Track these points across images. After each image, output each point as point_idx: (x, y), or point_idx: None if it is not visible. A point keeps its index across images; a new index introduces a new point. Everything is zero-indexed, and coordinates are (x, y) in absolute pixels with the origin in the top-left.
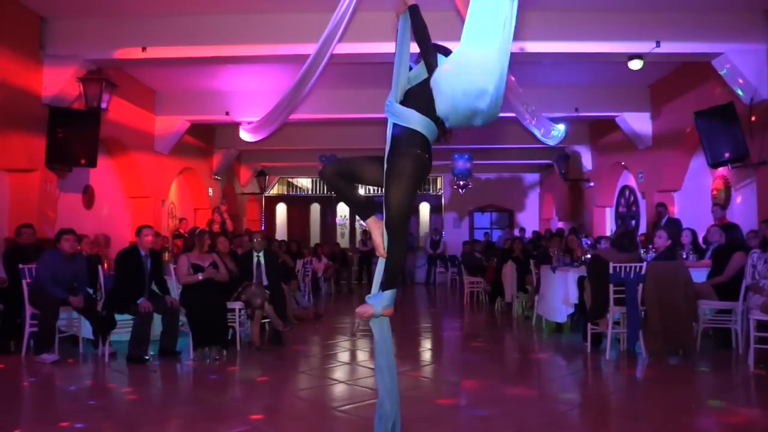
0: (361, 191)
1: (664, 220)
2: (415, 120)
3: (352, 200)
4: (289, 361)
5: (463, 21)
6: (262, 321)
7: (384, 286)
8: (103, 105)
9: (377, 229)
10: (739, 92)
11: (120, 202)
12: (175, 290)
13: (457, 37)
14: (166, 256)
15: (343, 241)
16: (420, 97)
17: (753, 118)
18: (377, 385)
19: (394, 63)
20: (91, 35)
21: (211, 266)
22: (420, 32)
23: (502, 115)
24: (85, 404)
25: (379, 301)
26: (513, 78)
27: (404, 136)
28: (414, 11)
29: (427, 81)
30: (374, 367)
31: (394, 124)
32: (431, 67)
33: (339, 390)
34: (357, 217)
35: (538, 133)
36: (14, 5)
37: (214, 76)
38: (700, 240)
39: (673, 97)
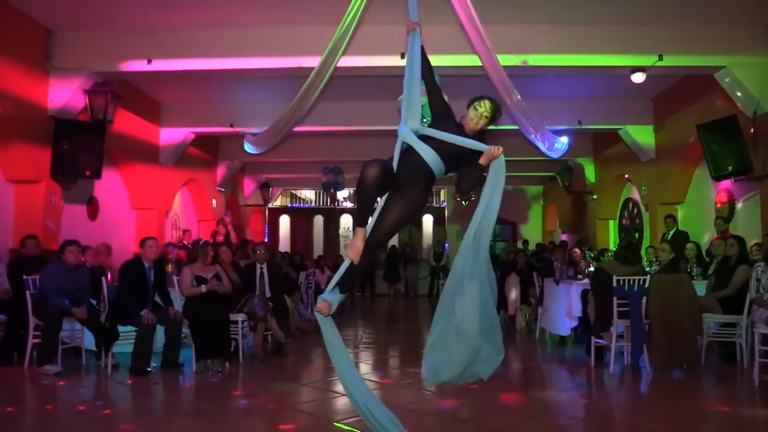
0: None
1: (671, 233)
2: (430, 158)
3: (369, 203)
4: (291, 374)
5: (466, 34)
6: (265, 333)
7: (342, 288)
8: (109, 117)
9: (362, 238)
10: (742, 105)
11: (124, 214)
12: (178, 302)
13: (458, 50)
14: (170, 267)
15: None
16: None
17: (755, 130)
18: (342, 384)
19: (404, 84)
20: (97, 48)
21: (215, 278)
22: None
23: (505, 127)
24: (87, 416)
25: (336, 299)
26: (516, 91)
27: (423, 167)
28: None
29: (445, 121)
30: (333, 366)
31: (410, 150)
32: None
33: (341, 403)
34: None
35: (541, 146)
36: (21, 18)
37: (219, 88)
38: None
39: (676, 109)
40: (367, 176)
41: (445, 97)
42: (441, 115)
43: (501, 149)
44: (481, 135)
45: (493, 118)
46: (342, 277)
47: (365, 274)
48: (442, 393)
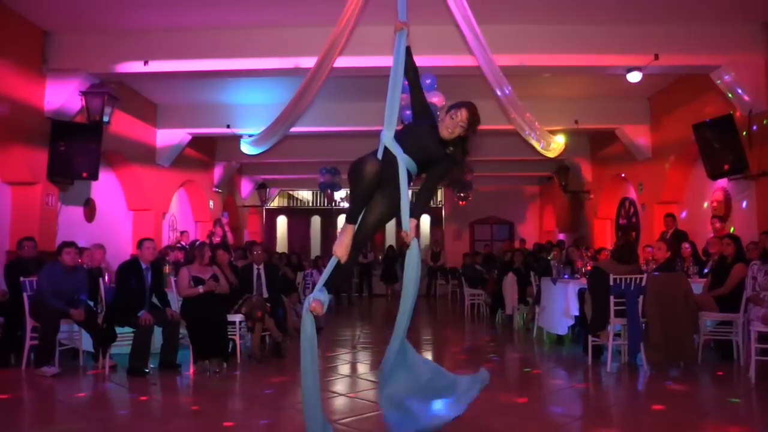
0: None
1: (670, 232)
2: (402, 159)
3: (366, 198)
4: (289, 374)
5: (462, 34)
6: (262, 333)
7: (330, 288)
8: (105, 118)
9: (351, 235)
10: (738, 104)
11: (121, 215)
12: (175, 303)
13: (454, 50)
14: (167, 268)
15: None
16: (411, 135)
17: (753, 129)
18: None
19: (388, 86)
20: (93, 49)
21: (212, 279)
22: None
23: (501, 127)
24: (85, 417)
25: (326, 298)
26: (512, 90)
27: (401, 171)
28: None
29: (424, 122)
30: (300, 365)
31: (389, 150)
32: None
33: (339, 403)
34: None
35: (537, 146)
36: (17, 19)
37: (216, 89)
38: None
39: (672, 109)
40: (367, 172)
41: (442, 98)
42: (421, 115)
43: (413, 237)
44: (462, 141)
45: (470, 128)
46: (330, 276)
47: (352, 272)
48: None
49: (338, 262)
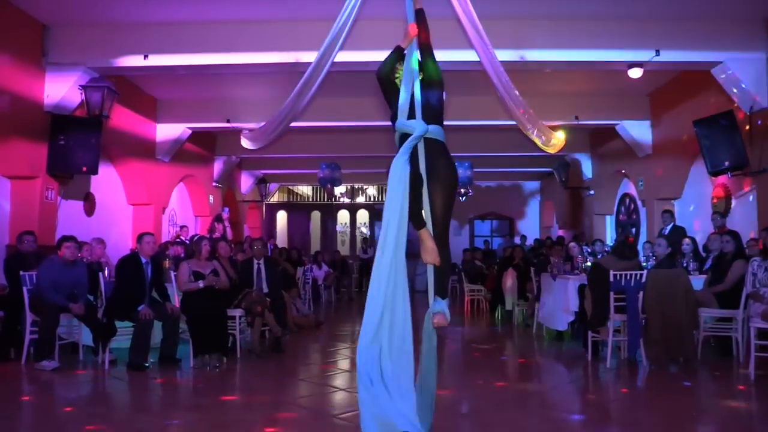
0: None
1: (668, 228)
2: (436, 132)
3: (416, 209)
4: (289, 369)
5: (463, 29)
6: (262, 328)
7: (443, 293)
8: (105, 112)
9: (431, 238)
10: (739, 101)
11: (121, 210)
12: (175, 297)
13: (454, 45)
14: (167, 263)
15: (344, 249)
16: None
17: (758, 124)
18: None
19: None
20: (93, 43)
21: (212, 273)
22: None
23: (502, 123)
24: (84, 412)
25: (444, 306)
26: (513, 85)
27: (433, 144)
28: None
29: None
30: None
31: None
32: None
33: (339, 397)
34: (357, 225)
35: (538, 141)
36: (17, 13)
37: (216, 83)
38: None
39: (673, 105)
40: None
41: (444, 95)
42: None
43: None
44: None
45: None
46: (435, 283)
47: (451, 269)
48: (440, 387)
49: (435, 267)
